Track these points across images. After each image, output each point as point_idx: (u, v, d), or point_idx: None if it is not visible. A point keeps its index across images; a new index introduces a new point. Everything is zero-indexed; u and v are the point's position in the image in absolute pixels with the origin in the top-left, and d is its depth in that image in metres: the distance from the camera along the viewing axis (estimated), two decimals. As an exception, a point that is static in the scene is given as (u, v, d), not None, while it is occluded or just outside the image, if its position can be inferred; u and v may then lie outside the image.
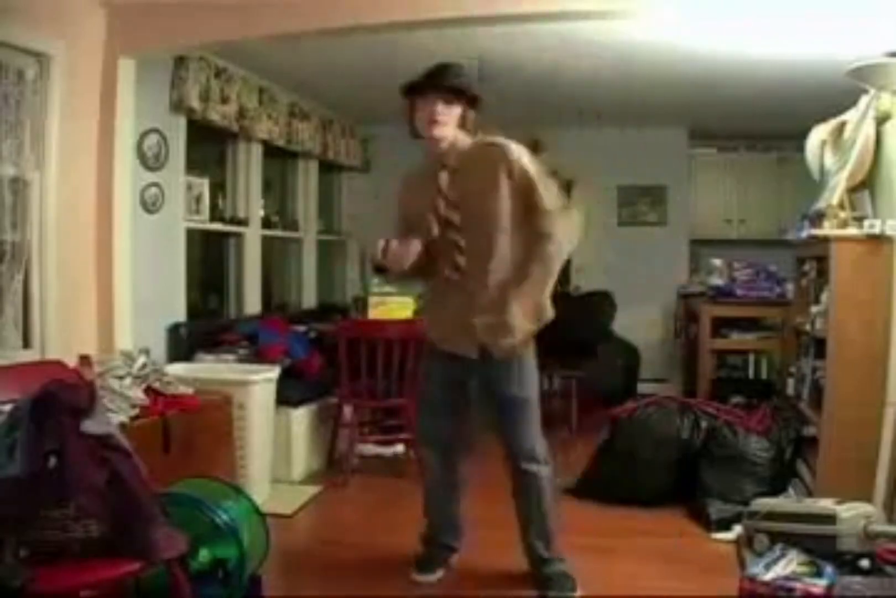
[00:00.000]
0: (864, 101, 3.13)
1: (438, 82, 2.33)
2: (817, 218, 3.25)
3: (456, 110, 2.36)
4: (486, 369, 2.47)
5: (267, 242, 5.20)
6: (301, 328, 4.60)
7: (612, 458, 3.60)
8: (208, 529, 2.25)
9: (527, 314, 2.40)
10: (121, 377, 2.85)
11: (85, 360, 2.95)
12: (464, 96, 2.36)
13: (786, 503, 2.85)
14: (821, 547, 2.46)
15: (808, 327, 3.45)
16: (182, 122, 4.10)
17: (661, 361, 6.21)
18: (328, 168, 6.05)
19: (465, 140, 2.43)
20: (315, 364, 4.17)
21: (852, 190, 3.19)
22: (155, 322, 3.91)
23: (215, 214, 4.65)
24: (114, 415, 2.52)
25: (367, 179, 6.43)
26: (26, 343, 3.15)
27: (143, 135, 3.76)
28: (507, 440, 2.51)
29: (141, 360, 3.06)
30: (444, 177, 2.42)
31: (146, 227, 3.78)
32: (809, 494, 3.11)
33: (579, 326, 5.01)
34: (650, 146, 6.15)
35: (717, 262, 5.21)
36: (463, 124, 2.39)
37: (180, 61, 3.95)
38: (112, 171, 3.45)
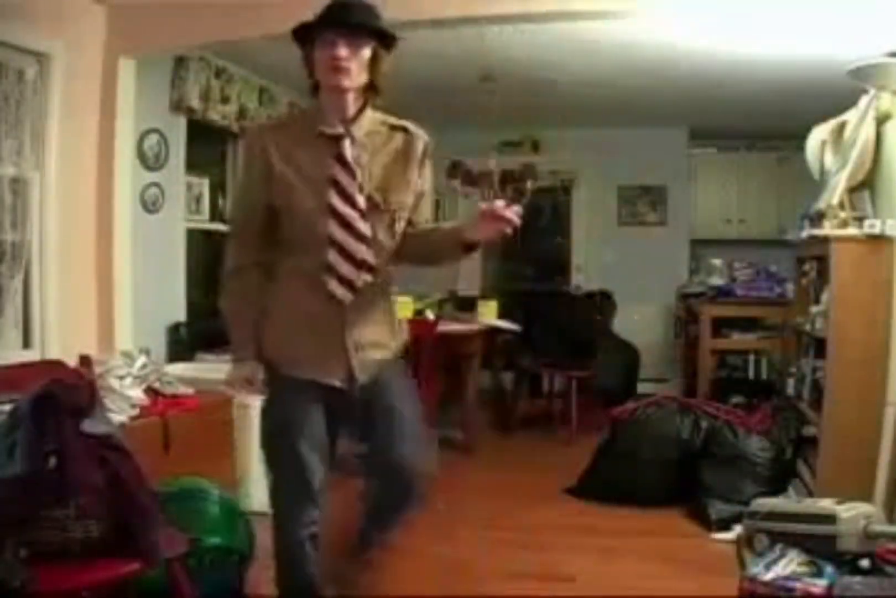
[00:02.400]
0: (864, 101, 3.13)
1: (340, 20, 1.81)
2: (817, 218, 3.25)
3: (365, 53, 1.82)
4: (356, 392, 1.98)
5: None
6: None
7: (612, 458, 3.60)
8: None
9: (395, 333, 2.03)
10: (121, 377, 2.85)
11: (85, 360, 2.95)
12: (373, 35, 1.84)
13: (786, 503, 2.84)
14: (821, 547, 2.46)
15: (808, 327, 3.45)
16: (182, 122, 4.10)
17: (661, 361, 6.21)
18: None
19: (370, 113, 1.93)
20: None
21: (852, 190, 3.19)
22: (155, 322, 3.90)
23: (215, 214, 4.65)
24: (114, 415, 2.52)
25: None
26: (26, 343, 3.15)
27: (143, 135, 3.76)
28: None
29: (141, 360, 3.06)
30: (347, 146, 1.85)
31: (146, 227, 3.77)
32: (809, 494, 3.11)
33: (579, 326, 5.01)
34: (650, 146, 6.15)
35: (717, 262, 5.22)
36: (374, 70, 1.85)
37: (180, 61, 3.95)
38: (112, 171, 3.45)
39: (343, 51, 1.78)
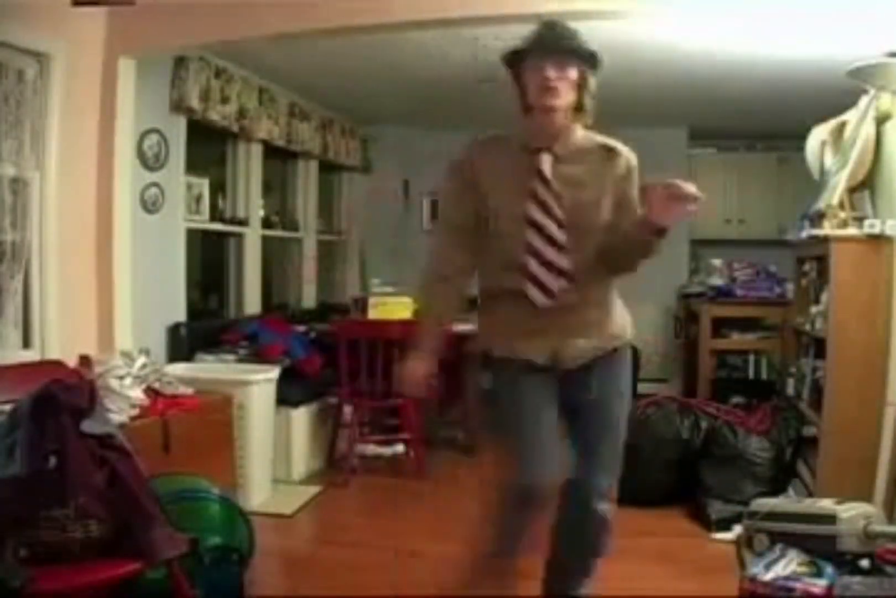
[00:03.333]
0: (864, 101, 3.13)
1: (549, 45, 1.98)
2: (817, 218, 3.25)
3: (572, 74, 1.99)
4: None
5: (267, 242, 5.20)
6: (301, 328, 4.60)
7: (612, 458, 3.60)
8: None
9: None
10: (121, 377, 2.85)
11: (85, 360, 2.95)
12: (579, 58, 2.01)
13: (786, 503, 2.84)
14: (821, 547, 2.46)
15: (808, 327, 3.45)
16: (182, 122, 4.10)
17: (661, 361, 6.21)
18: (328, 168, 6.04)
19: (577, 130, 2.08)
20: (315, 364, 4.17)
21: (852, 190, 3.19)
22: (155, 322, 3.90)
23: (215, 214, 4.65)
24: (114, 415, 2.52)
25: (367, 179, 6.43)
26: (26, 343, 3.15)
27: (143, 135, 3.76)
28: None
29: (141, 360, 3.07)
30: (546, 160, 1.99)
31: (146, 227, 3.77)
32: (809, 494, 3.11)
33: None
34: (650, 146, 6.10)
35: (717, 262, 5.22)
36: (581, 89, 2.04)
37: (180, 61, 3.95)
38: (112, 171, 3.45)
39: (552, 72, 1.94)
